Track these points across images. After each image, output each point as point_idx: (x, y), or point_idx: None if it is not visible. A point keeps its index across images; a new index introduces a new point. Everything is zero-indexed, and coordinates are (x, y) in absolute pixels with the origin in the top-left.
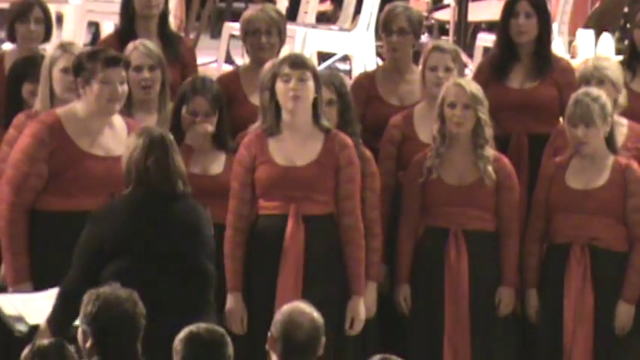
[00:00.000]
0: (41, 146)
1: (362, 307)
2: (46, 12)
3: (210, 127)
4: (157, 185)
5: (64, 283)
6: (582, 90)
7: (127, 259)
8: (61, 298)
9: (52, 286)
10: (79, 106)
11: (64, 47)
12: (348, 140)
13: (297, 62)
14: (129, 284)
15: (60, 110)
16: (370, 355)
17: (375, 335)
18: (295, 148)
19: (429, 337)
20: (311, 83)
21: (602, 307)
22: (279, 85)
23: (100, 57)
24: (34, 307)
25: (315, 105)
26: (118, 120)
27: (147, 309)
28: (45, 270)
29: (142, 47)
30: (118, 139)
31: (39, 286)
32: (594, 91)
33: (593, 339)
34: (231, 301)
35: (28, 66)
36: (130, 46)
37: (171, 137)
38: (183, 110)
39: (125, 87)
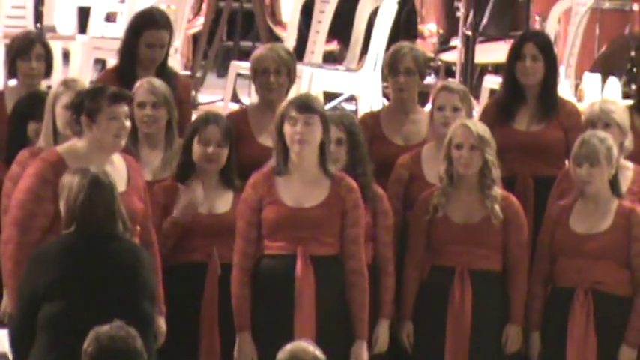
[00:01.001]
0: (46, 185)
1: (365, 351)
2: (47, 48)
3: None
4: (93, 226)
5: (10, 329)
6: (590, 132)
7: (61, 303)
8: (11, 346)
9: None
10: (79, 144)
11: (68, 84)
12: (354, 184)
13: (304, 106)
14: (64, 329)
15: (60, 148)
16: None
17: None
18: (303, 190)
19: None
20: (318, 127)
21: (605, 351)
22: (286, 128)
23: (105, 94)
24: None
25: (322, 149)
26: (116, 157)
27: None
28: None
29: (147, 84)
30: (119, 175)
31: None
32: (602, 133)
33: None
34: (242, 340)
35: (33, 104)
36: (138, 82)
37: (111, 179)
38: (195, 141)
39: (129, 122)
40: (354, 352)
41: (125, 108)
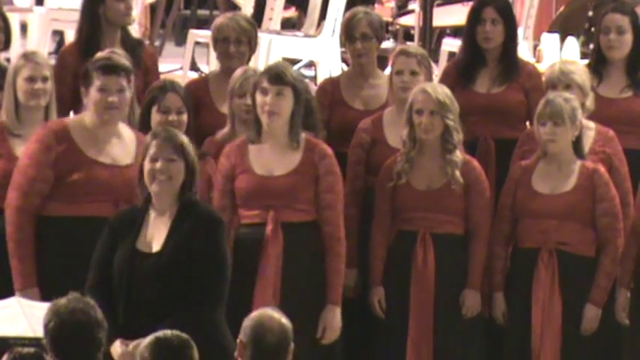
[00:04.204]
0: (47, 151)
1: (337, 317)
2: (5, 20)
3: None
4: None
5: None
6: (555, 92)
7: None
8: None
9: (57, 291)
10: (86, 116)
11: (27, 56)
12: (328, 150)
13: (276, 77)
14: None
15: (69, 119)
16: None
17: (340, 340)
18: (274, 158)
19: (394, 341)
20: (289, 98)
21: (570, 311)
22: (258, 97)
23: (97, 64)
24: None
25: (292, 119)
26: (126, 132)
27: None
28: (50, 275)
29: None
30: (126, 149)
31: (45, 291)
32: (567, 94)
33: (561, 342)
34: None
35: None
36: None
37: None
38: (154, 111)
39: (125, 95)
40: (323, 317)
41: (117, 80)
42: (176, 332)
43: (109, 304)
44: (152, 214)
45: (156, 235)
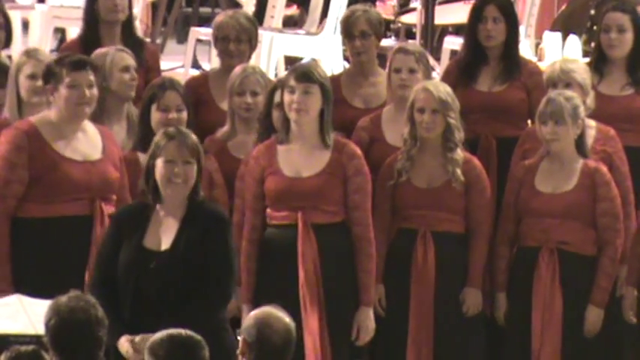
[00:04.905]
0: (19, 152)
1: (371, 318)
2: (6, 18)
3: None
4: None
5: None
6: (557, 90)
7: None
8: None
9: (32, 292)
10: (52, 114)
11: (30, 53)
12: (357, 150)
13: (304, 75)
14: None
15: (34, 118)
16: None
17: None
18: (302, 159)
19: (394, 339)
20: (317, 96)
21: (570, 311)
22: (285, 96)
23: (65, 61)
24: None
25: (321, 118)
26: (89, 126)
27: None
28: (28, 277)
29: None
30: (92, 144)
31: (23, 293)
32: (568, 92)
33: (561, 342)
34: (246, 313)
35: None
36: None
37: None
38: (153, 109)
39: (94, 91)
40: (357, 318)
41: (87, 76)
42: (190, 332)
43: (115, 300)
44: (160, 211)
45: (164, 233)
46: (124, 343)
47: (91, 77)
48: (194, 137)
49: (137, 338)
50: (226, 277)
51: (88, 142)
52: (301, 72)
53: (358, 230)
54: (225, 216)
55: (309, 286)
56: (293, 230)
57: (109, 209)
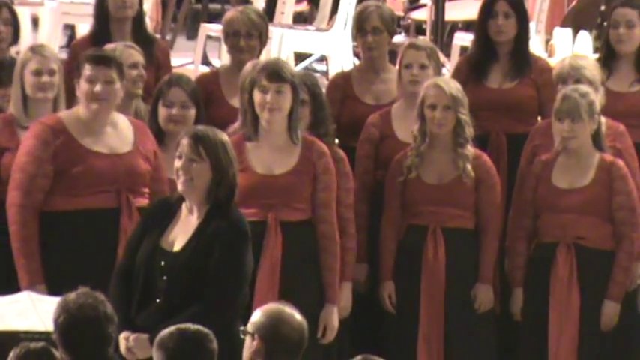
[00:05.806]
0: (45, 146)
1: (335, 316)
2: (14, 14)
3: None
4: None
5: None
6: (571, 86)
7: None
8: None
9: (64, 286)
10: (80, 109)
11: (35, 50)
12: (325, 148)
13: (275, 75)
14: None
15: (62, 113)
16: (345, 355)
17: (347, 335)
18: (273, 157)
19: (404, 335)
20: (288, 95)
21: (587, 306)
22: (256, 95)
23: (89, 56)
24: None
25: (290, 116)
26: (122, 120)
27: None
28: (56, 271)
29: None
30: (123, 138)
31: (51, 287)
32: (583, 87)
33: (578, 337)
34: None
35: (0, 70)
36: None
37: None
38: (160, 105)
39: (114, 87)
40: (323, 316)
41: (107, 71)
42: (198, 326)
43: (129, 294)
44: (184, 210)
45: (181, 233)
46: (122, 340)
47: (112, 73)
48: (212, 135)
49: (131, 338)
50: (232, 287)
51: (117, 136)
52: (272, 71)
53: (324, 228)
54: (244, 228)
55: (269, 283)
56: (261, 227)
57: (138, 202)
